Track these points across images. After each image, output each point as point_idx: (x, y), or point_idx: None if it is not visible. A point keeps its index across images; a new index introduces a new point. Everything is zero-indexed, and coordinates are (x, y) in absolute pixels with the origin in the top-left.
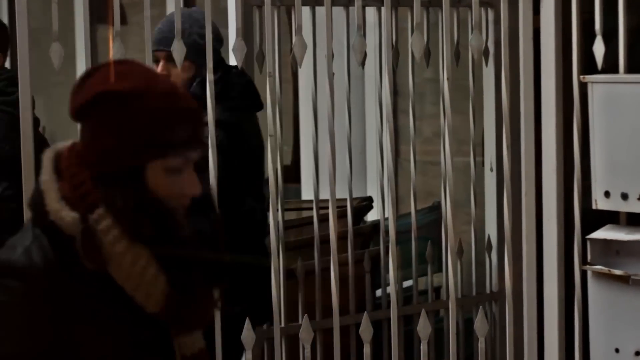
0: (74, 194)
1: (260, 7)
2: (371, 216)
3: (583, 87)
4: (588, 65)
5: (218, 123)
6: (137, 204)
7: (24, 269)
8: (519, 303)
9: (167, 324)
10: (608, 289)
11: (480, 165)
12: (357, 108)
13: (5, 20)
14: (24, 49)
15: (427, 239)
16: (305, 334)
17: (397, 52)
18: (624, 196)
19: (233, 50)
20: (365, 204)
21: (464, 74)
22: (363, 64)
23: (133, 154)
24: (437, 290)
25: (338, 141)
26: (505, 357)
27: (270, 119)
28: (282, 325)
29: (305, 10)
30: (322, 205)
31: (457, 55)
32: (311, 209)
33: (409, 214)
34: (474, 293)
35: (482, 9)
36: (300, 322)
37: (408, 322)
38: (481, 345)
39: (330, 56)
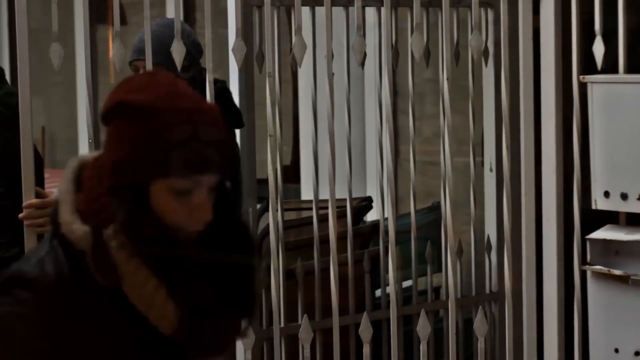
0: (89, 207)
1: (260, 7)
2: (371, 216)
3: (583, 87)
4: (588, 65)
5: None
6: (136, 222)
7: (35, 280)
8: (519, 303)
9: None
10: (607, 289)
11: (479, 165)
12: (357, 108)
13: (5, 20)
14: (24, 49)
15: (426, 239)
16: (305, 334)
17: (396, 53)
18: (624, 196)
19: (233, 50)
20: (365, 204)
21: (464, 74)
22: (363, 64)
23: (134, 169)
24: (436, 290)
25: (338, 141)
26: (505, 357)
27: (269, 119)
28: (282, 325)
29: (305, 11)
30: (321, 205)
31: (457, 55)
32: (311, 209)
33: (409, 214)
34: (473, 293)
35: (482, 9)
36: (299, 322)
37: (408, 322)
38: (481, 345)
39: (330, 56)
